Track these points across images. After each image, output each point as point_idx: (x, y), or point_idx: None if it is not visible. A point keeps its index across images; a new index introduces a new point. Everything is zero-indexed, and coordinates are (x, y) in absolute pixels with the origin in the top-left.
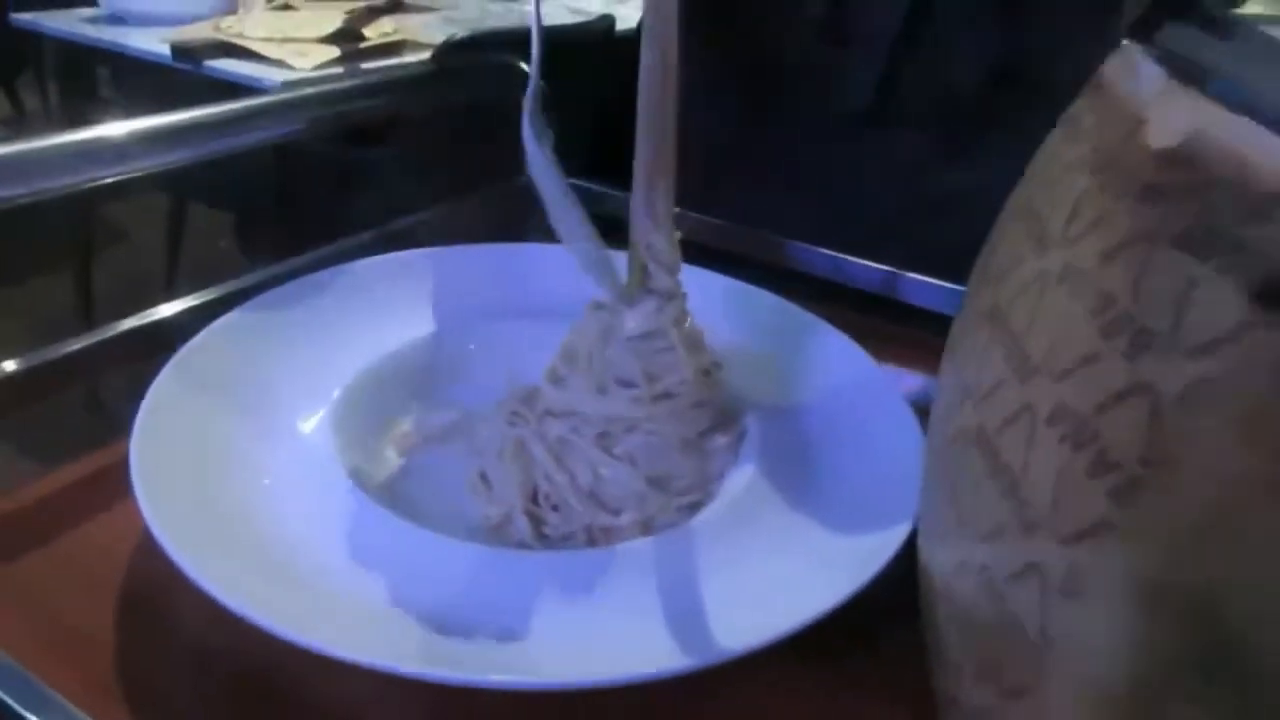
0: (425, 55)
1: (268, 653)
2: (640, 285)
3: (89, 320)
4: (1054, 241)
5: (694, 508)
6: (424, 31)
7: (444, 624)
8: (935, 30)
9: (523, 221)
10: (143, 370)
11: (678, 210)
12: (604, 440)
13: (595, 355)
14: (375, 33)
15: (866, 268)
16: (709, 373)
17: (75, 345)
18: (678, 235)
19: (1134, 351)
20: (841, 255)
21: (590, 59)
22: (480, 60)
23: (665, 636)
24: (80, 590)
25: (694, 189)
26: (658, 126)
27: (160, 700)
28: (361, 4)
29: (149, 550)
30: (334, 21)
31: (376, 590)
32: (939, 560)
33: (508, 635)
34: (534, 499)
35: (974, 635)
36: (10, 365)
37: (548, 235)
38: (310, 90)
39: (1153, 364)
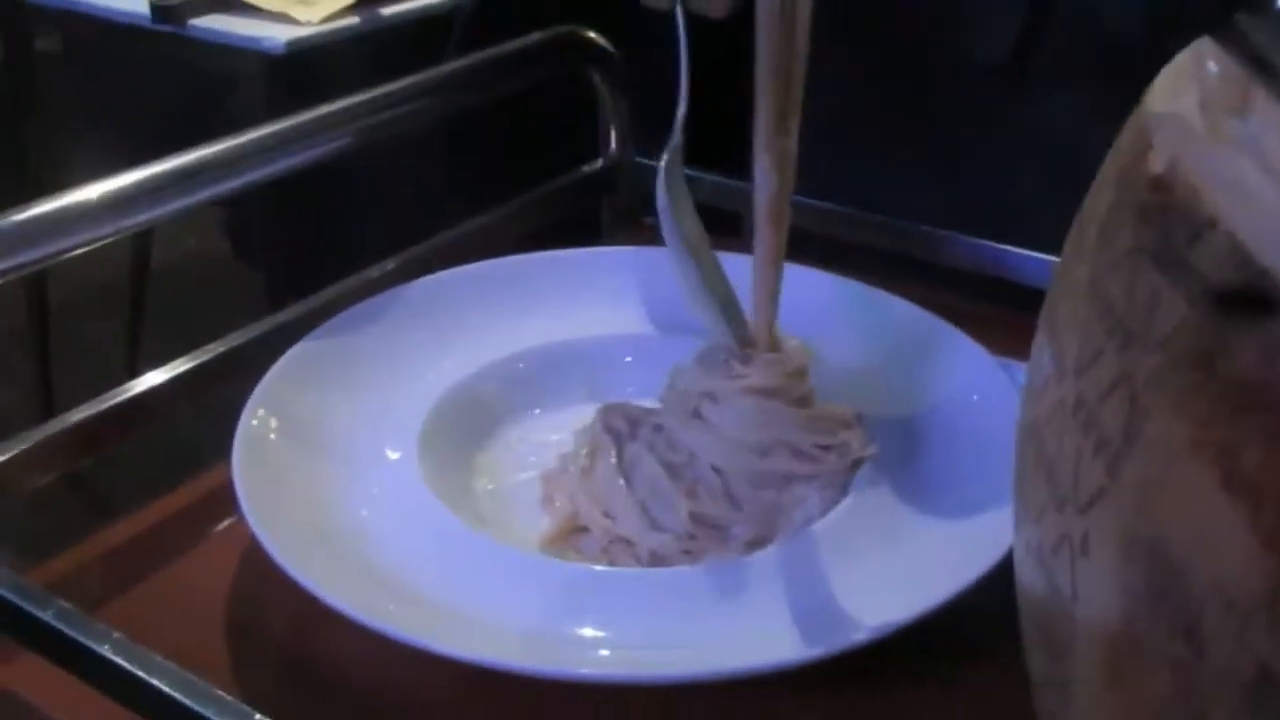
0: None
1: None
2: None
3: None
4: (1087, 250)
5: (752, 546)
6: None
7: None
8: None
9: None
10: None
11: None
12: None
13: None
14: None
15: (1006, 253)
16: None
17: (132, 391)
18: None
19: (1123, 348)
20: (976, 240)
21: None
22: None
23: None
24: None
25: (806, 170)
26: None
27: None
28: None
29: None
30: None
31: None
32: (1016, 548)
33: (601, 637)
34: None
35: (1033, 610)
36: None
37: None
38: (337, 106)
39: (1132, 357)
